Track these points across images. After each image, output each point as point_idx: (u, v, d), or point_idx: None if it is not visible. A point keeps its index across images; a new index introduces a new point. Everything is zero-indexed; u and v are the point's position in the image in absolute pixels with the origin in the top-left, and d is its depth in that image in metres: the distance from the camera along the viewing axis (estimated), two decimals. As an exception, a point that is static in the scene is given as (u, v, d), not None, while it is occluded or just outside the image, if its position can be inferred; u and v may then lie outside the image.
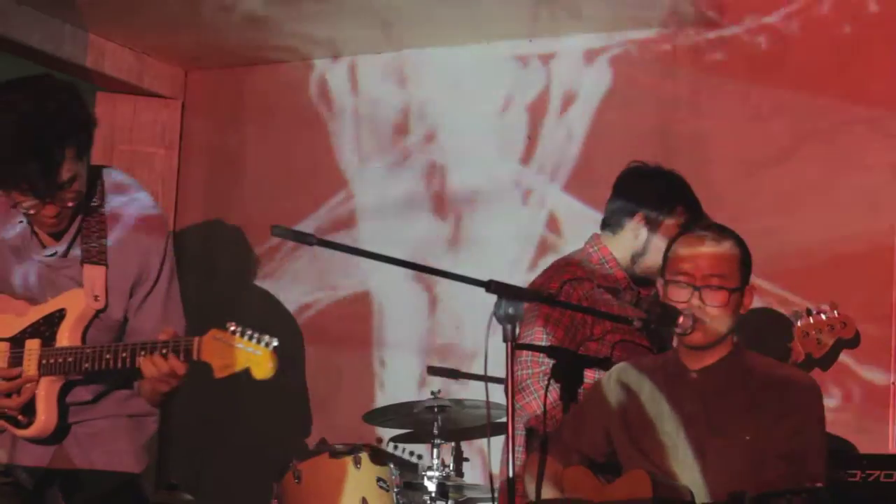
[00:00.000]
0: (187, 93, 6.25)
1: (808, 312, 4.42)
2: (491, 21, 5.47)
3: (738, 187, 5.14)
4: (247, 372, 3.27)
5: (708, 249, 3.53)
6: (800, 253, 4.80)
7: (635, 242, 4.31)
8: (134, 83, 5.99)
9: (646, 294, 4.37)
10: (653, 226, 4.29)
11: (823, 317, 4.42)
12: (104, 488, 3.66)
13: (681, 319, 3.49)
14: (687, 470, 3.46)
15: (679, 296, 3.52)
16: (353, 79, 5.95)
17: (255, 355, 3.26)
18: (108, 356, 3.44)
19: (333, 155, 5.95)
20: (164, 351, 3.37)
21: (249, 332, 3.28)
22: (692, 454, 3.47)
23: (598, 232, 4.39)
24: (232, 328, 3.29)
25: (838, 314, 4.43)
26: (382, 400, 5.54)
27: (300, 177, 5.98)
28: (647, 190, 4.32)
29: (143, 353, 3.39)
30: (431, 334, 5.67)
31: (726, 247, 3.54)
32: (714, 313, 3.49)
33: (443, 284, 5.52)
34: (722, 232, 3.58)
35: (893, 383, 4.82)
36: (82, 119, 3.46)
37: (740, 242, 3.59)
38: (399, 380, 5.67)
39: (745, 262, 3.58)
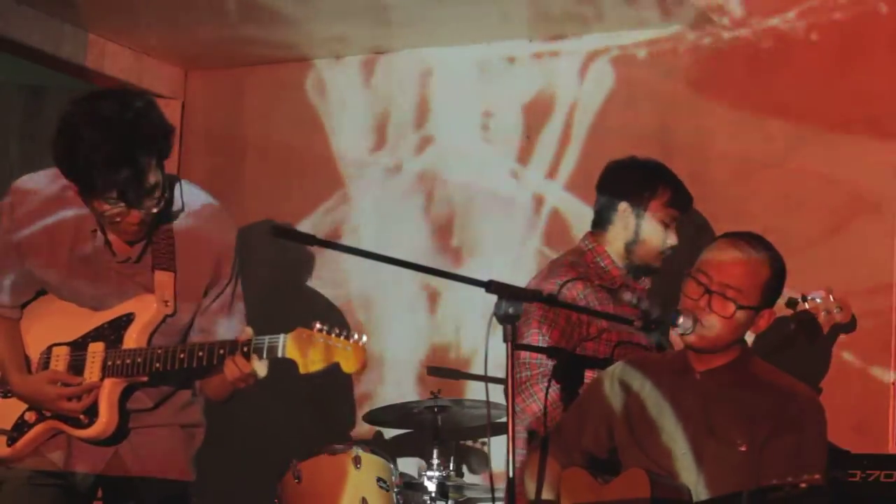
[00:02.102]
0: (187, 93, 6.25)
1: (804, 298, 4.41)
2: (491, 22, 5.47)
3: (738, 187, 5.14)
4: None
5: (735, 259, 3.46)
6: (800, 253, 4.79)
7: (626, 233, 4.34)
8: (134, 83, 5.99)
9: (645, 283, 4.41)
10: (639, 211, 4.33)
11: (819, 301, 4.41)
12: (158, 495, 3.71)
13: (681, 319, 3.48)
14: (685, 470, 3.46)
15: (691, 292, 3.49)
16: (352, 79, 5.95)
17: (344, 350, 3.35)
18: (181, 355, 3.49)
19: (333, 155, 5.95)
20: (245, 349, 3.43)
21: (337, 330, 3.38)
22: (690, 454, 3.46)
23: (591, 231, 4.43)
24: (318, 326, 3.38)
25: (834, 299, 4.42)
26: (382, 400, 5.54)
27: (300, 177, 5.98)
28: (627, 179, 4.38)
29: (221, 351, 3.45)
30: (431, 335, 5.67)
31: (755, 264, 3.46)
32: (716, 322, 3.45)
33: (443, 285, 5.52)
34: (760, 249, 3.49)
35: (893, 383, 4.82)
36: (163, 126, 3.48)
37: (775, 265, 3.50)
38: (399, 380, 5.67)
39: (771, 284, 3.49)
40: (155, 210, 3.49)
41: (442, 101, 5.79)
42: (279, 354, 3.41)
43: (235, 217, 5.91)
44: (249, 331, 3.49)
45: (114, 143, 3.34)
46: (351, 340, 3.36)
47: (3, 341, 3.71)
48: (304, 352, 3.37)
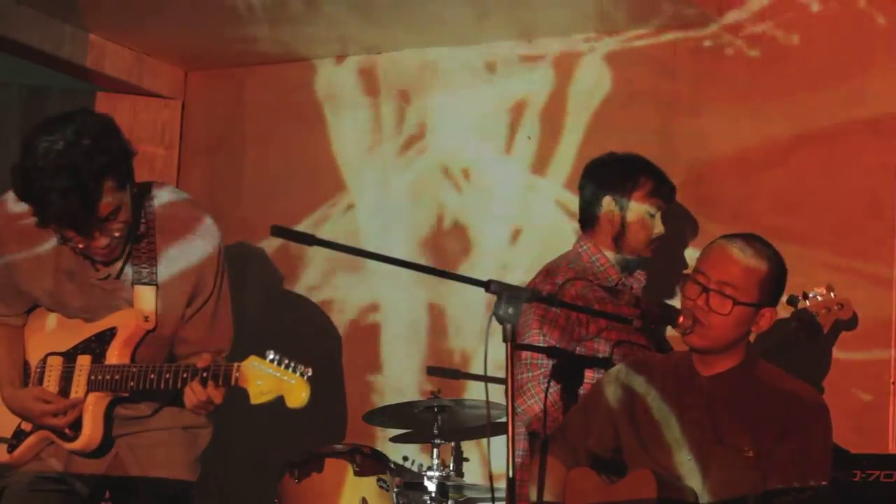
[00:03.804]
0: (187, 93, 6.25)
1: (805, 296, 4.41)
2: (491, 22, 5.46)
3: (738, 187, 5.14)
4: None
5: (731, 257, 3.47)
6: (800, 253, 4.80)
7: (612, 227, 4.37)
8: (134, 83, 5.99)
9: (640, 278, 4.42)
10: (623, 204, 4.36)
11: (820, 299, 4.40)
12: (158, 496, 3.73)
13: (681, 319, 3.48)
14: (689, 474, 3.45)
15: (690, 292, 3.50)
16: (353, 79, 5.95)
17: (289, 384, 3.34)
18: (152, 376, 3.51)
19: (333, 155, 5.95)
20: (204, 375, 3.43)
21: (286, 361, 3.36)
22: (695, 460, 3.46)
23: (582, 232, 4.44)
24: (270, 356, 3.37)
25: (835, 296, 4.41)
26: (382, 400, 5.54)
27: (300, 177, 5.98)
28: (608, 173, 4.42)
29: (185, 375, 3.46)
30: (431, 335, 5.66)
31: (750, 260, 3.47)
32: (715, 320, 3.46)
33: (442, 285, 5.52)
34: (757, 246, 3.51)
35: (893, 382, 4.82)
36: (118, 151, 3.47)
37: (773, 263, 3.51)
38: (399, 380, 5.67)
39: (769, 282, 3.49)
40: (118, 234, 3.48)
41: (442, 101, 5.79)
42: (232, 383, 3.41)
43: (235, 218, 5.97)
44: (208, 357, 3.49)
45: (61, 176, 3.33)
46: (296, 373, 3.34)
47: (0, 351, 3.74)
48: (254, 382, 3.37)
